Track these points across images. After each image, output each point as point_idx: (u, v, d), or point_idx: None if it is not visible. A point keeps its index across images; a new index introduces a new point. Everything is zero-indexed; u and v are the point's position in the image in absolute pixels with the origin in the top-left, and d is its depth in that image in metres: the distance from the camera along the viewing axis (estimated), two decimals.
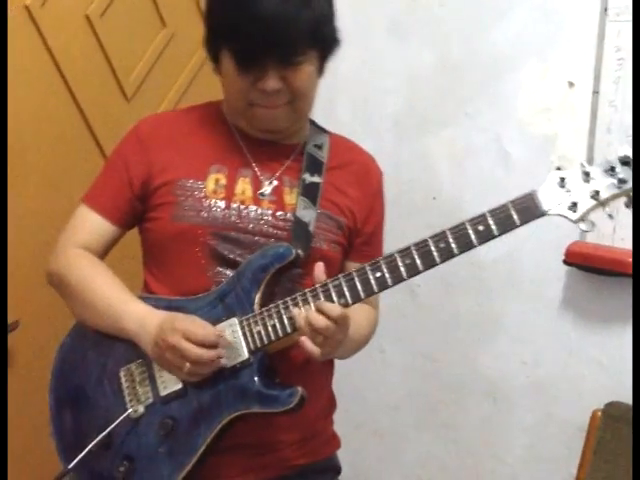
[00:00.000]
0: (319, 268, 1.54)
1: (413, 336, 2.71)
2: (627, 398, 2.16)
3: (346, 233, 1.75)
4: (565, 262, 2.30)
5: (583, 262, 2.27)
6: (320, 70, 1.68)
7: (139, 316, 1.63)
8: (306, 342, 1.50)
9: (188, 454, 1.60)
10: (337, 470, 1.87)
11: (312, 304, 1.53)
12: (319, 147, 1.78)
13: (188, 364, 1.53)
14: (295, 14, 1.53)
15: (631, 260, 2.15)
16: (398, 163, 2.65)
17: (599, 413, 2.18)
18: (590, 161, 2.28)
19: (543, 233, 2.38)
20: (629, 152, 1.42)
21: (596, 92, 2.30)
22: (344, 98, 2.75)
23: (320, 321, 1.49)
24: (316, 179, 1.72)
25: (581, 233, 2.29)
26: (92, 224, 1.74)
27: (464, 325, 2.58)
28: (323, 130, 1.84)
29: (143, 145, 1.73)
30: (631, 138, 2.20)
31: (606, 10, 2.27)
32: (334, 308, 1.50)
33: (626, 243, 2.20)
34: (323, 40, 1.63)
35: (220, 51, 1.62)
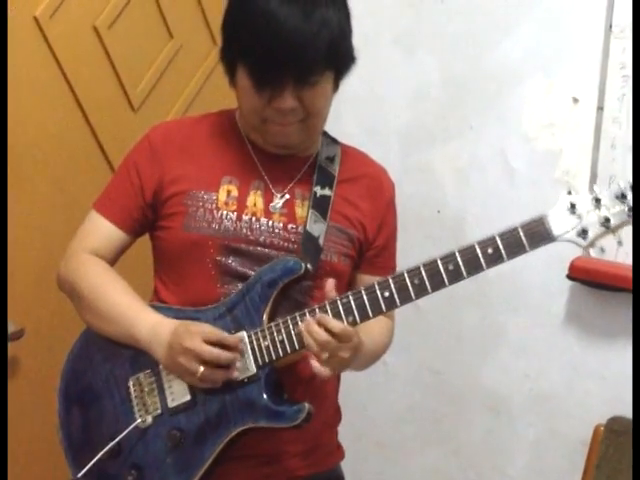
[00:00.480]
0: (330, 285, 1.54)
1: (417, 349, 2.71)
2: (629, 412, 2.16)
3: (357, 246, 1.75)
4: (569, 277, 2.31)
5: (587, 277, 2.27)
6: (335, 87, 1.68)
7: (151, 324, 1.63)
8: (313, 362, 1.51)
9: (195, 466, 1.61)
10: None
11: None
12: (331, 160, 1.78)
13: (202, 368, 1.54)
14: (315, 34, 1.52)
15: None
16: (403, 176, 2.65)
17: (602, 428, 2.19)
18: (594, 177, 2.31)
19: (547, 248, 2.38)
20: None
21: (600, 108, 2.31)
22: (350, 111, 2.76)
23: (321, 335, 1.49)
24: (327, 192, 1.72)
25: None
26: (103, 231, 1.75)
27: (468, 338, 2.59)
28: (335, 141, 1.83)
29: (155, 153, 1.73)
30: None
31: (611, 27, 2.29)
32: (335, 324, 1.49)
33: (630, 258, 2.21)
34: (340, 59, 1.62)
35: (236, 66, 1.61)
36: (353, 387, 2.66)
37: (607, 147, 2.28)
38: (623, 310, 2.24)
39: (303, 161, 1.75)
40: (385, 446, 2.85)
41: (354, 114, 2.78)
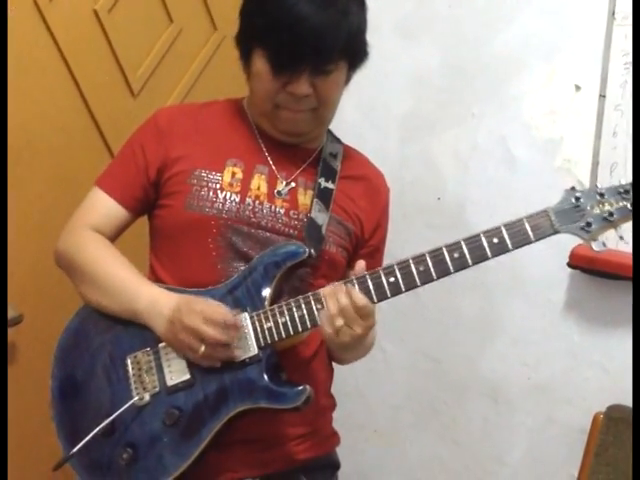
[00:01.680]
0: (360, 265, 1.54)
1: (415, 336, 2.71)
2: (629, 401, 2.16)
3: (353, 240, 1.78)
4: (569, 265, 2.30)
5: (587, 265, 2.27)
6: (347, 80, 1.73)
7: (152, 297, 1.64)
8: (324, 327, 1.53)
9: (192, 445, 1.61)
10: (336, 466, 1.89)
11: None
12: (334, 156, 1.81)
13: (203, 347, 1.55)
14: (334, 24, 1.57)
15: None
16: (403, 163, 2.65)
17: (601, 416, 2.18)
18: (595, 165, 2.30)
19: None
20: None
21: (602, 96, 2.30)
22: (351, 98, 2.72)
23: (344, 301, 1.50)
24: (330, 185, 1.75)
25: None
26: (104, 207, 1.75)
27: (466, 326, 2.59)
28: (338, 140, 1.87)
29: (161, 132, 1.74)
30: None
31: (613, 14, 2.28)
32: (361, 297, 1.50)
33: (630, 246, 2.20)
34: (355, 51, 1.67)
35: (253, 50, 1.64)
36: (351, 375, 2.67)
37: (609, 135, 2.27)
38: (623, 298, 2.24)
39: (308, 153, 1.78)
40: (383, 434, 2.85)
41: (355, 101, 2.77)
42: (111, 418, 1.62)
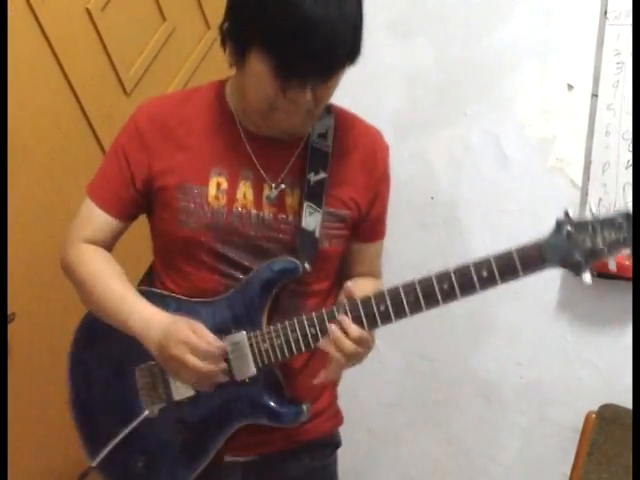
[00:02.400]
0: (347, 290, 1.57)
1: (408, 335, 2.71)
2: (621, 401, 2.17)
3: (349, 224, 1.75)
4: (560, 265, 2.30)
5: None
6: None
7: (145, 318, 1.64)
8: (322, 372, 1.61)
9: (200, 459, 1.69)
10: (337, 445, 1.92)
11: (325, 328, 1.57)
12: (324, 136, 1.73)
13: (190, 374, 1.58)
14: (346, 33, 1.49)
15: (628, 263, 2.15)
16: (396, 162, 2.61)
17: (593, 415, 2.19)
18: (588, 164, 2.30)
19: (540, 234, 2.38)
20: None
21: (595, 95, 2.30)
22: (344, 97, 2.73)
23: (346, 344, 1.54)
24: (321, 176, 1.69)
25: None
26: (97, 220, 1.75)
27: (459, 325, 2.58)
28: (328, 111, 1.76)
29: (143, 140, 1.69)
30: (629, 142, 2.21)
31: (606, 13, 2.28)
32: (355, 329, 1.54)
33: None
34: (357, 53, 1.57)
35: (251, 49, 1.51)
36: (345, 374, 2.65)
37: (601, 134, 2.27)
38: (616, 298, 2.24)
39: (295, 144, 1.71)
40: (377, 433, 2.85)
41: (348, 100, 2.74)
42: (125, 432, 1.71)
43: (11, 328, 2.13)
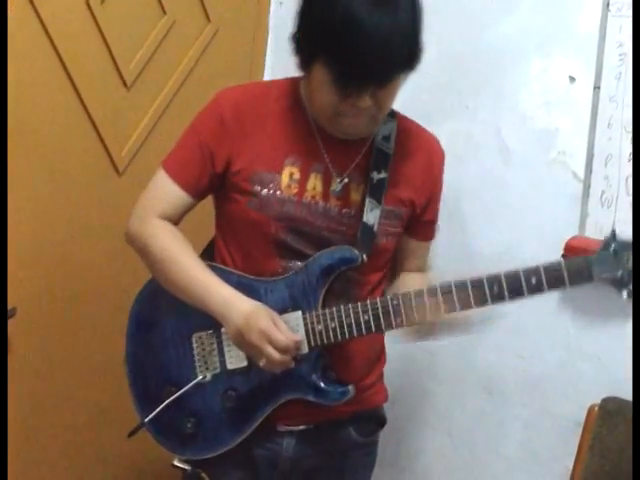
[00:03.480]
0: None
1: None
2: (624, 393, 2.16)
3: (404, 222, 1.91)
4: (564, 256, 2.29)
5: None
6: (402, 83, 1.78)
7: (224, 300, 1.76)
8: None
9: (247, 424, 1.81)
10: (382, 422, 2.05)
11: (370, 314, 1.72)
12: (387, 138, 1.88)
13: (264, 361, 1.70)
14: (401, 43, 1.61)
15: None
16: None
17: (596, 408, 2.18)
18: (590, 157, 2.29)
19: (542, 227, 2.38)
20: None
21: (597, 87, 2.29)
22: None
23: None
24: (382, 175, 1.84)
25: (580, 227, 2.29)
26: (173, 195, 1.86)
27: None
28: (392, 115, 1.91)
29: (226, 126, 1.82)
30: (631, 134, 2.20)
31: (608, 5, 2.27)
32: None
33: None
34: (415, 59, 1.71)
35: (315, 59, 1.68)
36: None
37: (603, 126, 2.26)
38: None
39: (361, 144, 1.86)
40: None
41: None
42: (178, 393, 1.82)
43: (12, 323, 2.12)
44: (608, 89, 2.26)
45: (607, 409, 2.16)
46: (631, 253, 1.58)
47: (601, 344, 2.29)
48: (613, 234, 1.60)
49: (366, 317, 1.71)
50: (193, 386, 1.82)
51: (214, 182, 1.86)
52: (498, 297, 1.66)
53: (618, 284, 1.60)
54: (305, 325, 1.74)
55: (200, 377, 1.82)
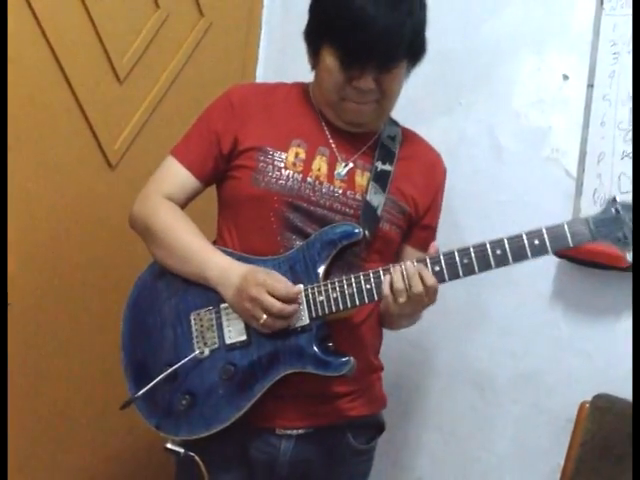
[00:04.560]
0: (432, 247, 1.73)
1: None
2: (615, 390, 2.17)
3: (407, 219, 1.93)
4: (556, 254, 2.30)
5: (574, 255, 2.26)
6: (407, 74, 1.88)
7: (221, 266, 1.80)
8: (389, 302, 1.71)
9: (245, 399, 1.78)
10: (381, 428, 2.06)
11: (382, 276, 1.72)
12: (392, 138, 1.95)
13: (265, 316, 1.71)
14: (400, 26, 1.72)
15: (620, 254, 2.15)
16: None
17: (587, 405, 2.19)
18: (583, 155, 2.30)
19: (535, 224, 2.38)
20: None
21: (590, 85, 2.29)
22: None
23: (418, 285, 1.69)
24: (387, 167, 1.89)
25: None
26: (178, 177, 1.91)
27: (453, 315, 2.58)
28: (396, 124, 2.01)
29: (234, 109, 1.89)
30: (625, 133, 2.20)
31: (602, 4, 2.27)
32: (430, 276, 1.69)
33: None
34: (417, 49, 1.84)
35: (323, 46, 1.78)
36: None
37: (596, 125, 2.27)
38: (610, 288, 2.25)
39: (368, 137, 1.92)
40: None
41: None
42: (174, 367, 1.81)
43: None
44: (601, 87, 2.26)
45: (598, 406, 2.16)
46: (631, 214, 1.60)
47: (592, 341, 2.30)
48: (614, 198, 1.63)
49: (368, 286, 1.72)
50: (191, 364, 1.81)
51: (219, 165, 1.90)
52: (501, 261, 1.67)
53: (621, 244, 1.62)
54: (306, 296, 1.75)
55: (197, 352, 1.81)
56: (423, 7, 1.84)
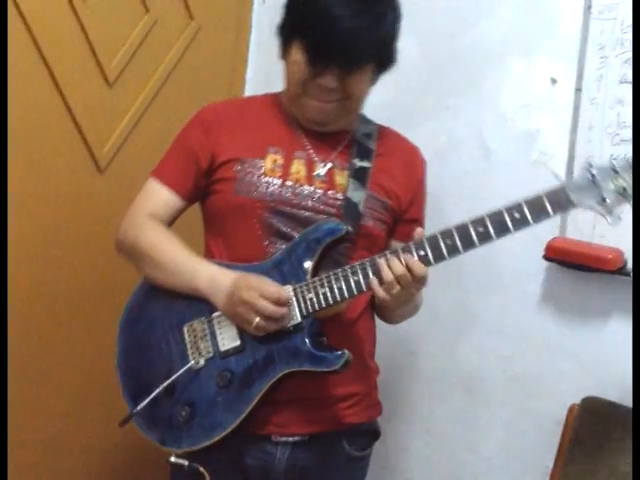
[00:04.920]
0: (418, 232, 1.72)
1: (391, 328, 2.71)
2: (604, 393, 2.18)
3: (391, 214, 1.95)
4: (545, 257, 2.31)
5: (563, 258, 2.27)
6: (373, 80, 1.90)
7: (211, 274, 1.81)
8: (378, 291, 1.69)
9: (243, 404, 1.78)
10: (377, 435, 2.07)
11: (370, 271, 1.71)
12: (368, 136, 1.97)
13: (258, 319, 1.72)
14: (366, 31, 1.74)
15: (610, 257, 2.17)
16: None
17: (576, 408, 2.20)
18: (571, 158, 2.31)
19: (522, 228, 2.39)
20: None
21: (578, 89, 2.30)
22: None
23: (399, 268, 1.67)
24: (365, 164, 1.91)
25: (561, 229, 2.31)
26: (161, 196, 1.93)
27: (443, 318, 2.59)
28: (370, 122, 2.03)
29: (208, 127, 1.92)
30: (613, 136, 2.22)
31: (590, 8, 2.28)
32: (418, 264, 1.68)
33: (605, 240, 2.21)
34: (384, 57, 1.86)
35: (292, 41, 1.81)
36: None
37: (584, 128, 2.27)
38: (599, 291, 2.25)
39: (342, 137, 1.94)
40: None
41: None
42: (171, 379, 1.81)
43: None
44: (589, 91, 2.27)
45: (587, 408, 2.17)
46: (611, 178, 1.59)
47: (581, 344, 2.30)
48: (589, 164, 1.63)
49: (356, 278, 1.72)
50: (187, 376, 1.82)
51: (200, 181, 1.92)
52: (484, 238, 1.68)
53: (601, 208, 1.62)
54: (295, 295, 1.76)
55: (192, 362, 1.82)
56: (396, 19, 1.86)
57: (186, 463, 1.77)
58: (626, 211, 2.11)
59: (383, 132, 2.02)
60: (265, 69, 2.99)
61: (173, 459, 1.79)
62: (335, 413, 1.89)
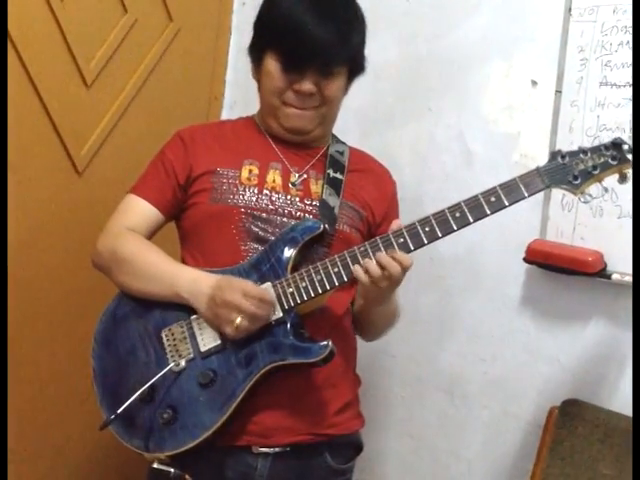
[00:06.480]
0: (395, 223, 1.75)
1: None
2: (584, 396, 2.18)
3: (365, 224, 1.98)
4: (525, 260, 2.31)
5: (543, 260, 2.27)
6: (346, 87, 1.96)
7: (192, 278, 1.82)
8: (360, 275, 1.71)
9: (227, 401, 1.76)
10: (359, 448, 2.04)
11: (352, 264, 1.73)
12: (340, 153, 2.02)
13: (240, 319, 1.71)
14: (337, 37, 1.81)
15: (590, 259, 2.17)
16: None
17: (556, 410, 2.19)
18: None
19: (504, 231, 2.39)
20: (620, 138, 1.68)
21: (559, 91, 2.31)
22: None
23: (385, 258, 1.70)
24: (339, 176, 1.96)
25: (542, 231, 2.31)
26: (139, 210, 1.93)
27: (423, 321, 2.59)
28: (343, 143, 2.07)
29: (186, 144, 1.96)
30: (593, 138, 2.22)
31: (570, 10, 2.28)
32: (404, 256, 1.70)
33: (585, 242, 2.22)
34: (355, 62, 1.92)
35: (265, 54, 1.86)
36: None
37: (565, 130, 2.28)
38: (579, 294, 2.25)
39: (317, 151, 1.99)
40: None
41: None
42: (150, 382, 1.78)
43: None
44: (569, 93, 2.28)
45: (567, 411, 2.17)
46: (580, 159, 1.67)
47: (561, 347, 2.30)
48: (558, 150, 1.70)
49: (336, 269, 1.73)
50: (168, 379, 1.79)
51: (178, 195, 1.94)
52: (462, 222, 1.70)
53: (574, 187, 1.67)
54: (276, 291, 1.76)
55: (172, 364, 1.79)
56: (362, 26, 1.94)
57: (171, 470, 1.74)
58: (608, 214, 2.16)
59: (354, 152, 2.06)
60: (245, 71, 2.95)
61: (156, 465, 1.76)
62: (317, 422, 1.87)
